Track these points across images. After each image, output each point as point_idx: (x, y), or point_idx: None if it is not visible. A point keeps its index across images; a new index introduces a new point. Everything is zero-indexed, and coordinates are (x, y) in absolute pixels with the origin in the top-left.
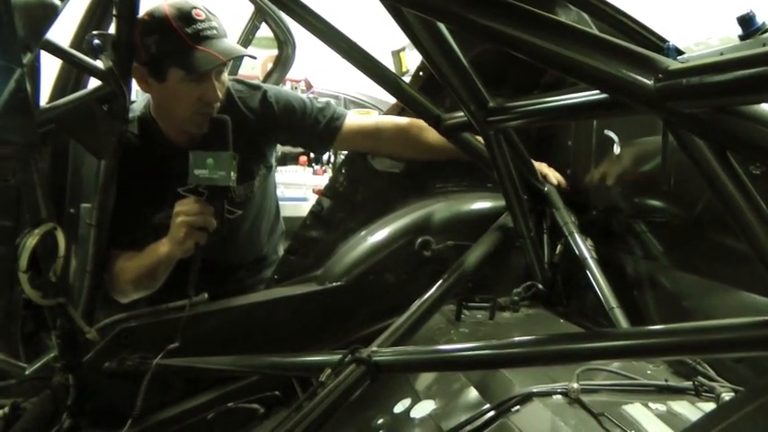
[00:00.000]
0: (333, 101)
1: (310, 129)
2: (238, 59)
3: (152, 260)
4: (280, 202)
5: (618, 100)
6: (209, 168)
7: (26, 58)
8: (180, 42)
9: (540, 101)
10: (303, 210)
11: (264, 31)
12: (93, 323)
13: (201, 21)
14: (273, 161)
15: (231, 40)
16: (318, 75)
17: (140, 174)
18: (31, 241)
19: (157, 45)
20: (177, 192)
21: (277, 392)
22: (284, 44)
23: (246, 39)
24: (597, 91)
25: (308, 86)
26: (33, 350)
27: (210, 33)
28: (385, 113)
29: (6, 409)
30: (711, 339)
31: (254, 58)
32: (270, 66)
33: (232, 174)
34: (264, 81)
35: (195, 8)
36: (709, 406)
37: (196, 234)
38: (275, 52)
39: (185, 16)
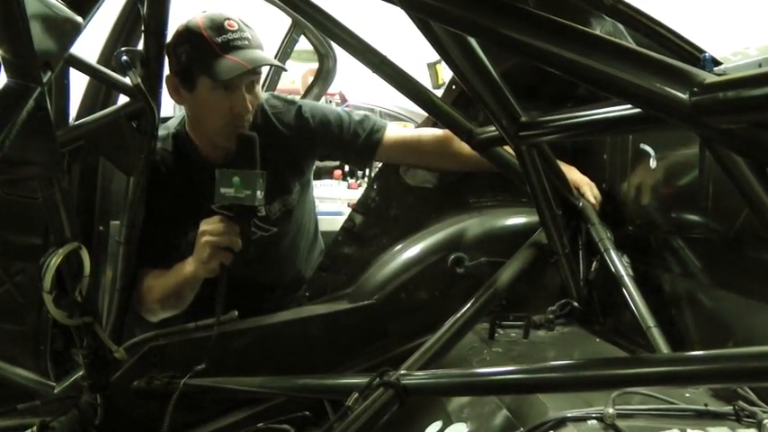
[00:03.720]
0: (370, 113)
1: (350, 143)
2: (276, 74)
3: (177, 280)
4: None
5: (652, 115)
6: (236, 187)
7: (46, 77)
8: (208, 50)
9: (572, 115)
10: (338, 224)
11: (305, 44)
12: (122, 342)
13: (233, 31)
14: (311, 177)
15: (264, 52)
16: (354, 87)
17: (174, 191)
18: (54, 261)
19: (187, 54)
20: (211, 209)
21: (307, 413)
22: (324, 57)
23: (285, 52)
24: (631, 105)
25: (343, 99)
26: (63, 368)
27: (241, 43)
28: (418, 126)
29: (35, 429)
30: (758, 367)
31: (284, 69)
32: (311, 79)
33: (258, 193)
34: (305, 94)
35: (229, 19)
36: None
37: (221, 254)
38: (316, 65)
39: (217, 26)
